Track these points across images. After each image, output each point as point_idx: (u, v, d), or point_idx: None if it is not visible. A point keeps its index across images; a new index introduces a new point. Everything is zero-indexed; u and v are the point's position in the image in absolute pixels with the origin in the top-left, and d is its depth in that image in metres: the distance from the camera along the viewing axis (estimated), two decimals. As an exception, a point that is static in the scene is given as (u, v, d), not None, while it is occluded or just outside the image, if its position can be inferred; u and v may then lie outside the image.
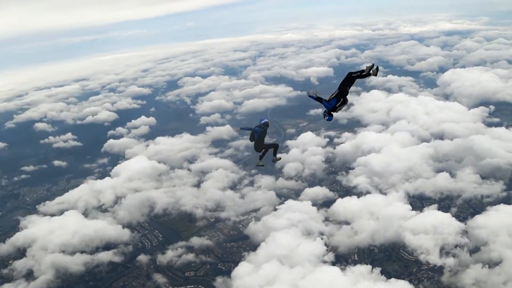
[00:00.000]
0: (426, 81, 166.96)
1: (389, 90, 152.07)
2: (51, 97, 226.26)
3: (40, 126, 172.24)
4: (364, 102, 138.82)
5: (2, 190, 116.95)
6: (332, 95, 21.14)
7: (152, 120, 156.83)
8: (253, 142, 27.66)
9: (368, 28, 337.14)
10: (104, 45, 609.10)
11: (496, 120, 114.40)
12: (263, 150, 27.88)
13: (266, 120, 27.52)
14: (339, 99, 21.04)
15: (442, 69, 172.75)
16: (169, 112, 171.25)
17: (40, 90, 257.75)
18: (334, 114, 21.87)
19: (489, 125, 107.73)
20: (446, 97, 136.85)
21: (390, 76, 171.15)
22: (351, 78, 20.43)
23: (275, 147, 28.23)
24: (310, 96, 21.52)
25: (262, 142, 27.47)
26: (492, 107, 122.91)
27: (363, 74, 20.03)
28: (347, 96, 21.13)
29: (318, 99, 21.15)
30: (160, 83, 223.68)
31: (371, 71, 19.81)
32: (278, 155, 28.68)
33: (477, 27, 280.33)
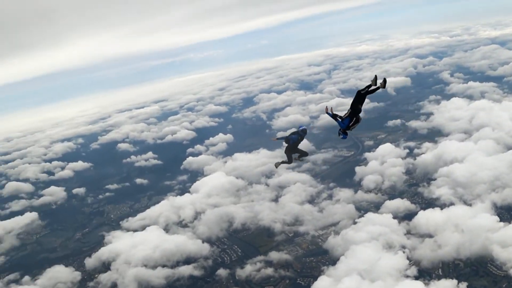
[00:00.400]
0: (510, 86, 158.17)
1: (470, 97, 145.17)
2: (133, 118, 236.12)
3: (122, 146, 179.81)
4: (444, 110, 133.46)
5: (89, 208, 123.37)
6: (346, 114, 21.32)
7: (229, 137, 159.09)
8: (286, 146, 28.26)
9: (445, 35, 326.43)
10: (181, 67, 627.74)
11: None
12: (292, 154, 28.60)
13: (304, 127, 28.04)
14: (352, 118, 21.23)
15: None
16: (245, 128, 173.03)
17: (122, 112, 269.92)
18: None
19: None
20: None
21: (471, 83, 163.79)
22: (361, 96, 20.75)
23: (305, 155, 29.09)
24: (327, 113, 21.97)
25: (295, 148, 28.24)
26: None
27: (371, 89, 20.18)
28: (359, 115, 21.37)
29: (334, 116, 21.52)
30: (236, 100, 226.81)
31: (378, 84, 19.91)
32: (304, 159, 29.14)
33: None
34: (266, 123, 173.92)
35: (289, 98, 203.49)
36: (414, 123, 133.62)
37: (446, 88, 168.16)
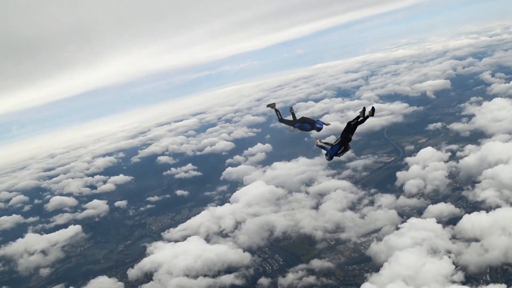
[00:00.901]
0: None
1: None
2: (172, 131, 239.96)
3: (162, 159, 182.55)
4: (486, 111, 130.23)
5: (131, 220, 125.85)
6: (336, 141, 22.16)
7: (268, 146, 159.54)
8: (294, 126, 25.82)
9: (484, 35, 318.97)
10: (218, 79, 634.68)
11: None
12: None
13: (321, 125, 24.33)
14: (341, 146, 21.88)
15: None
16: (284, 138, 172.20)
17: (161, 126, 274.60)
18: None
19: None
20: None
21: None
22: (350, 127, 21.60)
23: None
24: (317, 146, 22.77)
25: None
26: None
27: (360, 119, 21.09)
28: (349, 143, 22.04)
29: (321, 147, 22.48)
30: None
31: (367, 114, 20.68)
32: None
33: None
34: (304, 132, 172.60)
35: (326, 105, 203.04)
36: (455, 126, 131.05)
37: (487, 88, 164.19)
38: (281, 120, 26.18)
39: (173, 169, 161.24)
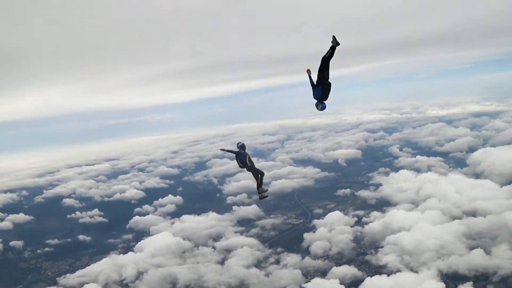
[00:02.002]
0: (456, 161, 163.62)
1: (418, 170, 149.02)
2: (82, 174, 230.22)
3: (68, 201, 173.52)
4: (393, 182, 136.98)
5: (25, 263, 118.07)
6: (315, 84, 20.36)
7: (179, 199, 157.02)
8: (243, 167, 26.67)
9: (396, 112, 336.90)
10: (136, 128, 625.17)
11: None
12: (256, 175, 26.41)
13: (241, 143, 26.78)
14: (322, 86, 20.29)
15: (472, 149, 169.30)
16: (196, 191, 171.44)
17: (71, 167, 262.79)
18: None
19: None
20: (477, 176, 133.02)
21: (418, 157, 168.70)
22: (326, 61, 19.78)
23: (262, 175, 26.50)
24: (308, 75, 20.47)
25: (251, 163, 26.52)
26: None
27: (330, 51, 19.41)
28: (329, 80, 20.29)
29: (312, 83, 20.40)
30: (189, 164, 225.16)
31: (333, 42, 19.18)
32: (265, 187, 26.62)
33: (506, 108, 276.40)
34: (217, 187, 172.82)
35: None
36: (363, 193, 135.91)
37: (395, 161, 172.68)
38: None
39: (78, 213, 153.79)
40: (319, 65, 19.92)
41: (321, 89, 20.33)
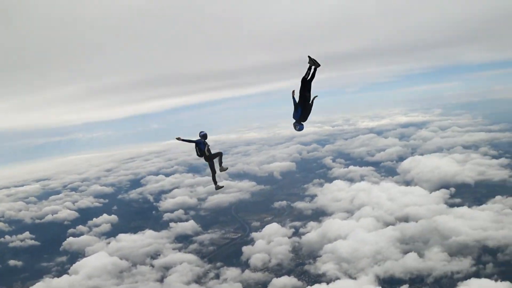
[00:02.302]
0: (387, 170, 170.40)
1: (351, 180, 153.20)
2: (10, 196, 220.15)
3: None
4: (327, 192, 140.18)
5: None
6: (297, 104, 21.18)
7: (114, 218, 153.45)
8: (201, 156, 26.74)
9: (327, 125, 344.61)
10: (68, 146, 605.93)
11: (458, 200, 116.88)
12: (213, 166, 27.13)
13: (204, 132, 26.50)
14: (303, 107, 21.09)
15: (401, 158, 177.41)
16: (131, 210, 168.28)
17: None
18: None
19: (451, 205, 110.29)
20: (407, 183, 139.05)
21: (351, 167, 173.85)
22: (306, 82, 20.63)
23: (220, 156, 27.10)
24: (293, 96, 21.22)
25: (210, 152, 26.62)
26: (452, 189, 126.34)
27: (309, 70, 20.22)
28: (311, 102, 21.18)
29: (295, 103, 21.22)
30: (123, 182, 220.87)
31: (309, 62, 19.87)
32: (224, 165, 27.21)
33: (432, 119, 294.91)
34: (153, 205, 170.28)
35: (177, 180, 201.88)
36: (299, 204, 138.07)
37: (328, 172, 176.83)
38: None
39: (7, 237, 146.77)
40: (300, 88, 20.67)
41: (301, 110, 21.09)
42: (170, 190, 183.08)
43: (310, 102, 21.11)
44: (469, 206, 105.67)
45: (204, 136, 26.32)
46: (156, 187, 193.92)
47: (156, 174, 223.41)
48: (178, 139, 25.20)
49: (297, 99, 21.00)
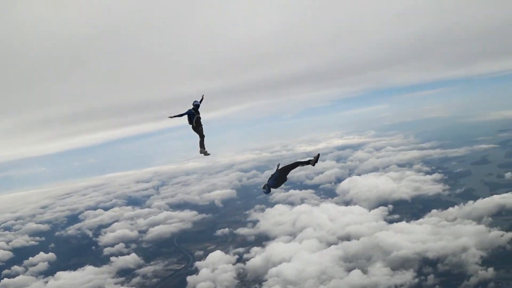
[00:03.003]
0: (326, 191, 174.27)
1: (292, 204, 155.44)
2: None
3: None
4: (269, 217, 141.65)
5: None
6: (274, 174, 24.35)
7: (51, 256, 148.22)
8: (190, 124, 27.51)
9: (266, 151, 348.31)
10: (1, 184, 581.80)
11: (396, 216, 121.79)
12: (200, 132, 27.96)
13: (197, 102, 27.22)
14: (279, 180, 24.31)
15: (339, 180, 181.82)
16: (70, 246, 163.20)
17: None
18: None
19: (391, 222, 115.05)
20: (347, 203, 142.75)
21: (291, 191, 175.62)
22: (295, 166, 24.17)
23: (202, 138, 28.13)
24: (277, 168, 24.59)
25: (198, 124, 27.48)
26: (390, 206, 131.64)
27: (305, 163, 23.92)
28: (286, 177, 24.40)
29: (276, 174, 24.47)
30: (60, 218, 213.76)
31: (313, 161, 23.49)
32: (205, 150, 28.53)
33: (366, 140, 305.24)
34: (93, 240, 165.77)
35: (116, 214, 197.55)
36: (242, 231, 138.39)
37: (269, 197, 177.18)
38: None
39: None
40: (290, 163, 24.06)
41: (276, 180, 24.19)
42: (110, 224, 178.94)
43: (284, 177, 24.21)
44: (407, 221, 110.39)
45: (196, 106, 26.98)
46: (95, 221, 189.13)
47: (95, 208, 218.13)
48: (170, 117, 26.44)
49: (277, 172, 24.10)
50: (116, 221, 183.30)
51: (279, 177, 24.03)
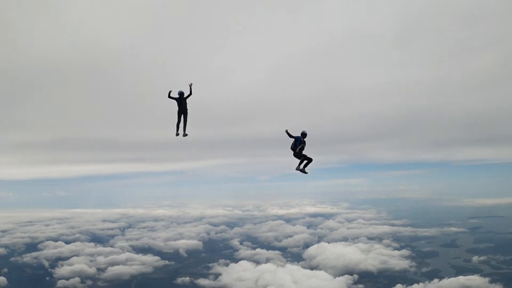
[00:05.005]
0: (293, 255, 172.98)
1: (257, 262, 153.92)
2: None
3: None
4: (232, 272, 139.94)
5: None
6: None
7: (2, 280, 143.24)
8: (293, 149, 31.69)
9: (238, 209, 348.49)
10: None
11: (361, 286, 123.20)
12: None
13: (305, 132, 30.95)
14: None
15: (308, 245, 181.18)
16: (23, 274, 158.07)
17: None
18: None
19: None
20: (312, 268, 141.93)
21: (258, 250, 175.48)
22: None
23: (309, 160, 31.67)
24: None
25: (300, 151, 31.46)
26: (356, 276, 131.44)
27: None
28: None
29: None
30: (19, 244, 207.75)
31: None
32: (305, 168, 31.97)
33: (339, 211, 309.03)
34: (48, 271, 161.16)
35: (77, 248, 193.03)
36: (202, 281, 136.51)
37: (235, 253, 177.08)
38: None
39: None
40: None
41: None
42: (69, 258, 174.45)
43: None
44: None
45: (303, 134, 30.84)
46: (54, 253, 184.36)
47: (56, 240, 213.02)
48: (286, 132, 30.83)
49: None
50: (76, 255, 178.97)
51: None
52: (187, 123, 33.02)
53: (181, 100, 32.26)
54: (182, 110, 32.61)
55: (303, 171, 31.55)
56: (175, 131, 33.24)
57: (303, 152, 31.01)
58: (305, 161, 31.34)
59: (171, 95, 32.05)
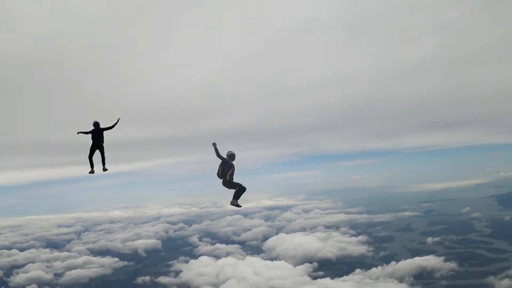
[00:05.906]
0: (252, 248, 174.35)
1: (217, 257, 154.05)
2: None
3: None
4: (192, 268, 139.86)
5: None
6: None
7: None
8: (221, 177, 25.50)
9: (195, 207, 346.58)
10: None
11: (321, 273, 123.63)
12: (234, 187, 25.72)
13: (233, 152, 25.24)
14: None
15: (266, 238, 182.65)
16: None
17: None
18: None
19: (315, 278, 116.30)
20: (272, 259, 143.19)
21: (217, 245, 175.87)
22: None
23: (242, 190, 25.82)
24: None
25: (231, 178, 25.45)
26: (315, 264, 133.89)
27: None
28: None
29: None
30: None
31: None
32: (239, 202, 26.35)
33: (296, 203, 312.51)
34: (3, 279, 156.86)
35: (32, 255, 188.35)
36: (163, 279, 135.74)
37: (195, 249, 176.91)
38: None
39: None
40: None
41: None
42: (24, 265, 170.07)
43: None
44: (331, 278, 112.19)
45: (231, 156, 25.33)
46: (8, 261, 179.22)
47: (9, 248, 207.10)
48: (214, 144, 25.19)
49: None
50: (32, 262, 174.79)
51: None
52: (105, 156, 27.92)
53: (97, 133, 27.31)
54: (97, 144, 27.55)
55: (237, 204, 26.13)
56: (90, 169, 27.97)
57: (234, 180, 25.34)
58: (238, 192, 25.71)
59: (81, 130, 27.04)
